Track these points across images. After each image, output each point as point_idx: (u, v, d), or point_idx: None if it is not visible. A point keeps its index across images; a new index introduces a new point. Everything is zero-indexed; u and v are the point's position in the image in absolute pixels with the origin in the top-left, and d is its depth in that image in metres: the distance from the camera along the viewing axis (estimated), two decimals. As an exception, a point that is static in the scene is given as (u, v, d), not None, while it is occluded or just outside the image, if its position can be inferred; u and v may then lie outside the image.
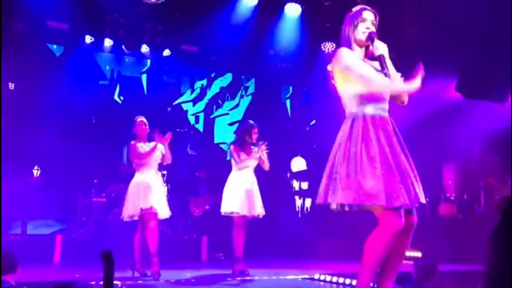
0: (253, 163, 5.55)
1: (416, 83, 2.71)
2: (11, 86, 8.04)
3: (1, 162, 6.14)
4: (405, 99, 2.94)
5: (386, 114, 2.81)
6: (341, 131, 2.78)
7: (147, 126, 5.28)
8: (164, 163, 5.43)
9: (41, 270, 5.72)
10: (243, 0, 7.78)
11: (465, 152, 7.55)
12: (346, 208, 2.75)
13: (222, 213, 5.49)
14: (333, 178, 2.69)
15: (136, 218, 5.14)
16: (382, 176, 2.58)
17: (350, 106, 2.80)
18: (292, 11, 8.09)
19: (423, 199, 2.70)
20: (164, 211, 5.17)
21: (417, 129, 7.44)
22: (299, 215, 9.82)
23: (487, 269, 1.78)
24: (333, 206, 2.76)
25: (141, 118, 5.29)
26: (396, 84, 2.74)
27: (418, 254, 6.69)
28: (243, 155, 5.43)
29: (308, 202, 9.76)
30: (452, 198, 7.54)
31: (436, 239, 6.65)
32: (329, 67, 9.12)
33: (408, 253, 6.57)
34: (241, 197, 5.36)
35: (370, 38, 2.81)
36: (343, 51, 2.81)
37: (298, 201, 9.89)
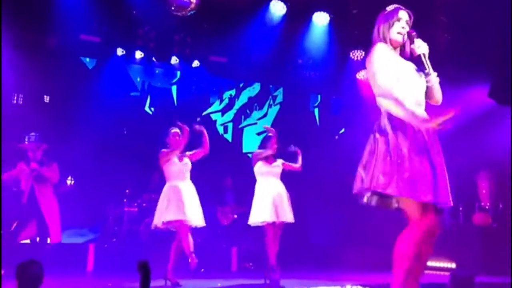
0: (276, 170, 5.58)
1: (433, 123, 2.57)
2: (46, 99, 8.27)
3: (1, 164, 6.31)
4: (439, 98, 2.89)
5: (422, 109, 2.76)
6: (378, 125, 2.74)
7: (180, 137, 5.35)
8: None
9: (75, 279, 5.83)
10: (271, 9, 7.82)
11: (499, 160, 7.37)
12: (373, 203, 2.73)
13: (251, 224, 5.49)
14: (368, 168, 2.66)
15: (161, 227, 5.19)
16: (416, 170, 2.55)
17: (385, 102, 2.73)
18: (320, 19, 8.08)
19: (451, 202, 2.65)
20: (197, 220, 5.18)
21: (450, 137, 7.30)
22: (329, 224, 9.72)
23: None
24: (364, 199, 2.75)
25: (175, 129, 5.38)
26: (413, 115, 2.61)
27: (452, 264, 6.55)
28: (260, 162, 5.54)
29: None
30: (487, 207, 7.35)
31: (470, 249, 6.49)
32: (358, 76, 9.08)
33: (442, 264, 6.46)
34: (269, 204, 5.36)
35: (410, 36, 2.79)
36: (377, 49, 2.77)
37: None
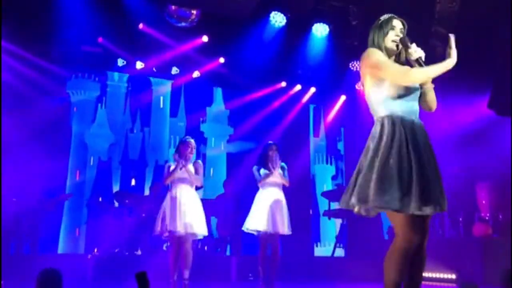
0: (278, 179, 5.49)
1: (451, 59, 2.67)
2: None
3: (1, 164, 6.30)
4: (433, 105, 2.89)
5: (416, 117, 2.77)
6: (370, 137, 2.76)
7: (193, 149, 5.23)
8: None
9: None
10: (271, 21, 7.87)
11: (499, 170, 7.37)
12: (363, 212, 2.73)
13: (245, 230, 5.46)
14: (358, 183, 2.66)
15: (166, 234, 5.12)
16: (405, 181, 2.55)
17: (378, 110, 2.77)
18: (320, 31, 8.14)
19: (444, 207, 2.65)
20: (199, 229, 5.05)
21: (450, 147, 7.31)
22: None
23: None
24: (356, 209, 2.74)
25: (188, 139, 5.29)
26: (429, 69, 2.69)
27: (453, 275, 6.53)
28: (263, 171, 5.47)
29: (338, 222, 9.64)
30: (487, 218, 7.33)
31: (470, 260, 6.47)
32: (357, 86, 9.10)
33: (443, 275, 6.44)
34: (265, 214, 5.30)
35: (403, 42, 2.81)
36: (371, 50, 2.81)
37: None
